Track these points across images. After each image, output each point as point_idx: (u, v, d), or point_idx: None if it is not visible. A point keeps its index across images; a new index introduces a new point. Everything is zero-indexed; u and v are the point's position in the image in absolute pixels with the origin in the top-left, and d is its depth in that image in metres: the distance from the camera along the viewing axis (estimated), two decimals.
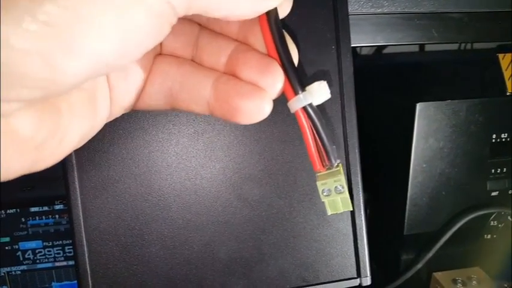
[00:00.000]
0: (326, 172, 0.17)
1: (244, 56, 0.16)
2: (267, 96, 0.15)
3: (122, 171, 0.21)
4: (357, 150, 0.23)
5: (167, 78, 0.16)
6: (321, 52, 0.23)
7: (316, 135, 0.16)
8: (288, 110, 0.23)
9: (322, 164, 0.16)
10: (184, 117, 0.22)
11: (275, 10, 0.15)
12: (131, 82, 0.16)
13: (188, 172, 0.22)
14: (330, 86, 0.23)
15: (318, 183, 0.17)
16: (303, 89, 0.16)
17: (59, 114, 0.13)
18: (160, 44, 0.17)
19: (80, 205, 0.21)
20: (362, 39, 0.31)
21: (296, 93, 0.16)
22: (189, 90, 0.16)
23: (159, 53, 0.17)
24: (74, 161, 0.21)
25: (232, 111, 0.15)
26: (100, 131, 0.21)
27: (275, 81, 0.15)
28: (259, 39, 0.16)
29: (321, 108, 0.23)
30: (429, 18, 0.32)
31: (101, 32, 0.11)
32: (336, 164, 0.16)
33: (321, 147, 0.16)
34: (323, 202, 0.17)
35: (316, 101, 0.16)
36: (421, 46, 0.54)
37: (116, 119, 0.21)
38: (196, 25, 0.17)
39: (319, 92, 0.16)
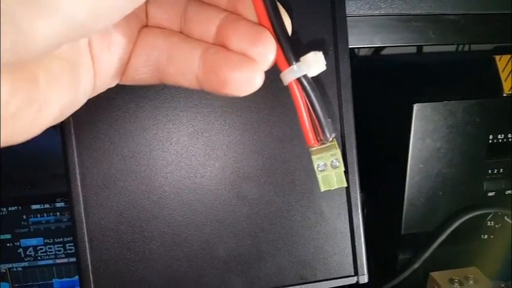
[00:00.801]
0: (320, 147, 0.16)
1: (233, 26, 0.15)
2: (258, 67, 0.14)
3: (123, 169, 0.22)
4: (354, 150, 0.24)
5: (154, 50, 0.15)
6: None
7: (310, 108, 0.15)
8: (287, 109, 0.24)
9: (317, 139, 0.16)
10: (185, 116, 0.22)
11: None
12: (115, 53, 0.15)
13: (188, 170, 0.22)
14: (327, 87, 0.24)
15: (314, 157, 0.16)
16: (297, 60, 0.15)
17: (35, 81, 0.12)
18: (147, 15, 0.16)
19: (81, 202, 0.21)
20: (359, 40, 0.31)
21: (290, 64, 0.15)
22: (177, 62, 0.15)
23: (145, 25, 0.16)
24: (76, 159, 0.21)
25: (221, 83, 0.14)
26: (102, 129, 0.22)
27: (267, 51, 0.14)
28: (250, 9, 0.15)
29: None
30: (426, 20, 0.33)
31: None
32: (331, 139, 0.16)
33: (316, 120, 0.15)
34: (317, 177, 0.17)
35: (312, 73, 0.15)
36: (419, 47, 0.54)
37: (118, 118, 0.22)
38: None
39: (314, 63, 0.15)
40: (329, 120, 0.15)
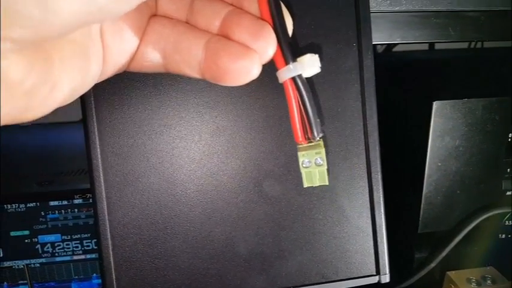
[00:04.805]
0: (307, 145, 0.17)
1: (237, 18, 0.15)
2: (257, 58, 0.15)
3: (146, 167, 0.21)
4: (377, 148, 0.23)
5: (161, 39, 0.16)
6: (342, 49, 0.23)
7: (302, 107, 0.16)
8: None
9: (305, 137, 0.17)
10: (207, 114, 0.22)
11: None
12: (125, 41, 0.15)
13: (210, 168, 0.22)
14: (350, 83, 0.23)
15: (299, 154, 0.17)
16: (294, 60, 0.15)
17: (50, 61, 0.13)
18: (156, 5, 0.16)
19: (104, 199, 0.21)
20: (379, 37, 0.31)
21: (287, 63, 0.15)
22: (182, 51, 0.16)
23: (154, 14, 0.16)
24: (99, 156, 0.21)
25: (220, 71, 0.15)
26: (125, 127, 0.21)
27: (267, 45, 0.15)
28: (254, 6, 0.15)
29: (342, 105, 0.23)
30: (446, 16, 0.32)
31: None
32: (318, 138, 0.17)
33: (306, 119, 0.16)
34: (301, 173, 0.18)
35: (306, 73, 0.16)
36: (431, 45, 0.54)
37: (141, 115, 0.22)
38: None
39: (310, 64, 0.16)
40: (318, 120, 0.16)
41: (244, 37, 0.15)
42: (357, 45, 0.23)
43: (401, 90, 0.38)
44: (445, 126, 0.31)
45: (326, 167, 0.17)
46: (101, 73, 0.15)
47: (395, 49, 0.51)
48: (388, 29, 0.31)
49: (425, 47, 0.53)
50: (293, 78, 0.15)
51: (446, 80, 0.37)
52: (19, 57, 0.11)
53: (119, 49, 0.15)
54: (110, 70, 0.16)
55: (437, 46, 0.53)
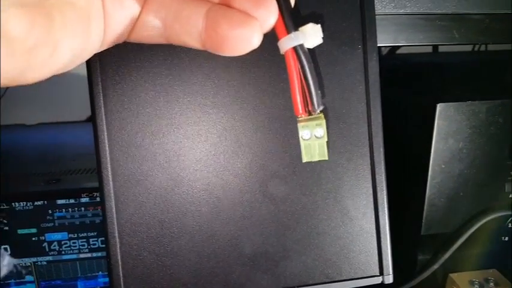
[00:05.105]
0: (308, 117, 0.17)
1: None
2: (258, 26, 0.14)
3: (153, 166, 0.22)
4: (381, 149, 0.24)
5: (162, 8, 0.16)
6: (347, 51, 0.23)
7: (303, 78, 0.16)
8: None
9: (305, 109, 0.16)
10: (214, 114, 0.22)
11: None
12: (126, 9, 0.15)
13: (216, 168, 0.23)
14: (355, 85, 0.23)
15: (299, 126, 0.17)
16: (296, 29, 0.15)
17: (51, 22, 0.13)
18: None
19: (113, 197, 0.21)
20: (384, 39, 0.31)
21: (288, 32, 0.15)
22: (182, 20, 0.15)
23: None
24: (108, 155, 0.21)
25: (220, 40, 0.15)
26: (134, 126, 0.22)
27: (269, 13, 0.14)
28: None
29: (347, 107, 0.23)
30: (451, 19, 0.32)
31: None
32: (319, 111, 0.16)
33: (307, 91, 0.16)
34: (301, 147, 0.17)
35: (308, 43, 0.15)
36: (435, 47, 0.54)
37: (149, 115, 0.22)
38: None
39: (312, 34, 0.15)
40: (319, 92, 0.16)
41: (246, 5, 0.15)
42: (362, 47, 0.23)
43: (405, 92, 0.38)
44: (448, 128, 0.32)
45: (326, 140, 0.17)
46: (102, 42, 0.16)
47: (399, 51, 0.51)
48: (392, 31, 0.31)
49: (430, 49, 0.54)
50: (294, 48, 0.15)
51: (450, 83, 0.38)
52: (20, 12, 0.11)
53: (119, 17, 0.15)
54: (111, 39, 0.16)
55: (442, 49, 0.53)
